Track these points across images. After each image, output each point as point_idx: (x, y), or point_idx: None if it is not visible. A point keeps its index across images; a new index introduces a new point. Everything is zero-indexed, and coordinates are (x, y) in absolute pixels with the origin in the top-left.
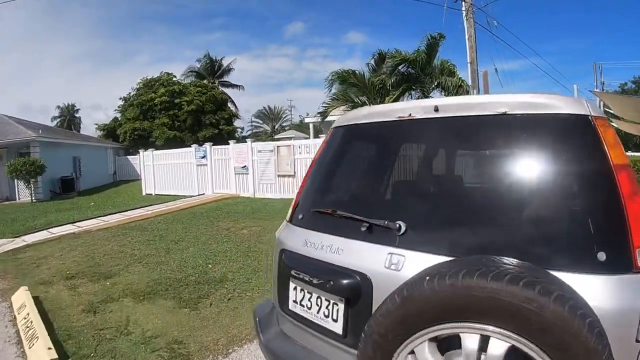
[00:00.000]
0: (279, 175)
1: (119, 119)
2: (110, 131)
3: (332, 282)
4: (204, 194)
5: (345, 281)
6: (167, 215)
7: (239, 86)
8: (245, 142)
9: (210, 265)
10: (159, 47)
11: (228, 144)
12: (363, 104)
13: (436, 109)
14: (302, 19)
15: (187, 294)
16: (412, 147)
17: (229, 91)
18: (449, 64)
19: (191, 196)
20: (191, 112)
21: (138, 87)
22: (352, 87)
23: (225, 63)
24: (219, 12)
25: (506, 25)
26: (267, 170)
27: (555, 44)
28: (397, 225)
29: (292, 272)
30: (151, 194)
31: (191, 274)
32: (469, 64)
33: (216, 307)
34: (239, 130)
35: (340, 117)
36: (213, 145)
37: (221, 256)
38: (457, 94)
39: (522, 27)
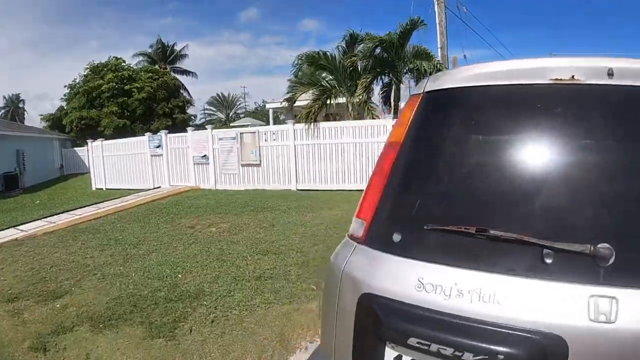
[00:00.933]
0: (243, 165)
1: (65, 108)
2: (55, 121)
3: (499, 355)
4: (160, 187)
5: (521, 351)
6: (121, 213)
7: (192, 73)
8: (205, 129)
9: (180, 275)
10: (108, 33)
11: (185, 131)
12: (332, 89)
13: (610, 73)
14: (257, 5)
15: (158, 316)
16: (574, 125)
17: (182, 78)
18: (424, 47)
19: (146, 190)
20: (142, 99)
21: (85, 73)
22: (321, 70)
23: (177, 49)
24: None
25: (475, 14)
26: (229, 160)
27: (515, 34)
28: (602, 251)
29: (400, 337)
30: (102, 189)
31: (159, 288)
32: (439, 49)
33: (198, 333)
34: (192, 118)
35: (440, 76)
36: (169, 133)
37: (191, 262)
38: None
39: (488, 16)
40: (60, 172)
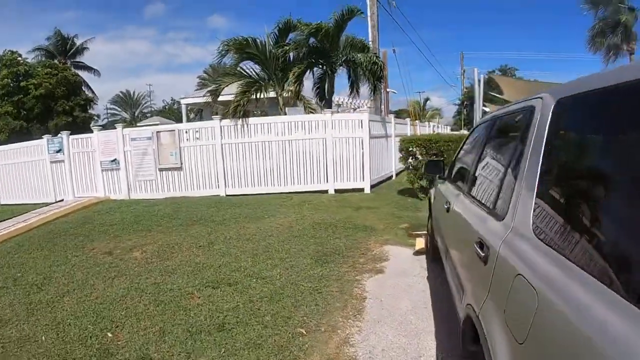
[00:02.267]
0: (161, 169)
1: None
2: None
3: None
4: (62, 200)
5: None
6: (18, 238)
7: (95, 70)
8: (115, 128)
9: (110, 334)
10: (2, 27)
11: (90, 132)
12: (261, 80)
13: None
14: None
15: None
16: None
17: (83, 75)
18: (361, 39)
19: (47, 204)
20: (40, 97)
21: None
22: (249, 59)
23: (78, 42)
24: None
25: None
26: (145, 164)
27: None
28: None
29: None
30: None
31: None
32: (370, 43)
33: None
34: (95, 117)
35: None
36: (71, 134)
37: (120, 309)
38: (370, 71)
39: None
40: None
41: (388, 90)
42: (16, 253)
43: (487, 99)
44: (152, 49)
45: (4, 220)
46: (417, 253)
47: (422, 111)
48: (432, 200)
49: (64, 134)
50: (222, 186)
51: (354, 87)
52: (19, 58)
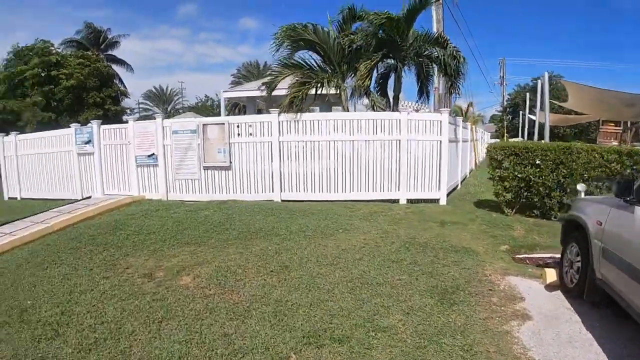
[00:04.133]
0: (206, 168)
1: None
2: None
3: None
4: (90, 197)
5: None
6: (34, 245)
7: (127, 64)
8: (154, 119)
9: None
10: (39, 24)
11: (125, 122)
12: (323, 73)
13: None
14: (195, 1)
15: None
16: None
17: (115, 68)
18: (439, 31)
19: (72, 201)
20: (71, 88)
21: (8, 57)
22: (306, 49)
23: (110, 35)
24: None
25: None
26: (186, 160)
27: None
28: None
29: None
30: (16, 199)
31: None
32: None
33: None
34: (127, 111)
35: None
36: (103, 124)
37: None
38: (449, 67)
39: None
40: None
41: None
42: (29, 267)
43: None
44: (183, 49)
45: (21, 219)
46: (550, 288)
47: (464, 116)
48: (592, 229)
49: (94, 123)
50: (277, 190)
51: (423, 86)
52: (51, 48)
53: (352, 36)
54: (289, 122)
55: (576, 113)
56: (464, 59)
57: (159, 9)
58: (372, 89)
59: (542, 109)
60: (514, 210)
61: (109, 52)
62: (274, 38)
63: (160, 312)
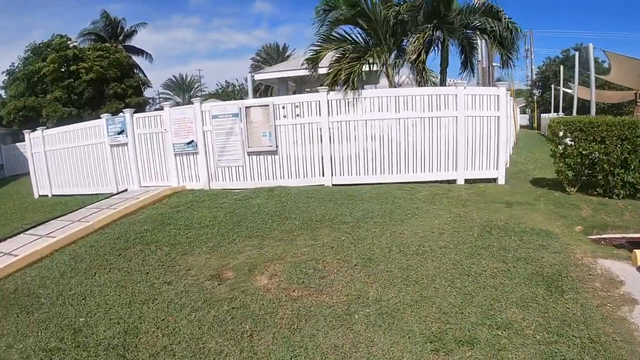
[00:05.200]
0: (250, 153)
1: (3, 97)
2: None
3: None
4: (126, 190)
5: None
6: (75, 246)
7: (147, 53)
8: (192, 103)
9: None
10: (52, 21)
11: (159, 109)
12: (371, 47)
13: None
14: None
15: None
16: None
17: (135, 59)
18: (489, 2)
19: (108, 196)
20: (91, 81)
21: (26, 55)
22: (349, 23)
23: (127, 26)
24: None
25: None
26: (229, 146)
27: None
28: None
29: None
30: (47, 196)
31: None
32: None
33: None
34: (149, 101)
35: None
36: (135, 112)
37: None
38: (503, 41)
39: None
40: (0, 173)
41: (494, 64)
42: (74, 275)
43: (581, 81)
44: (196, 37)
45: (56, 218)
46: None
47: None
48: None
49: (127, 112)
50: (328, 174)
51: (467, 59)
52: (69, 42)
53: (396, 7)
54: (338, 101)
55: (616, 87)
56: (519, 30)
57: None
58: (411, 64)
59: (579, 82)
60: (575, 189)
61: (127, 43)
62: (315, 10)
63: (246, 323)
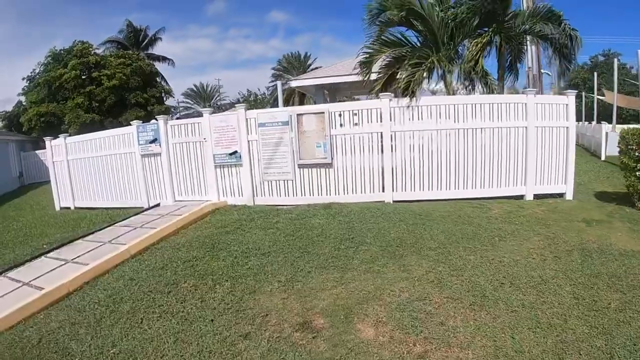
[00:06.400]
0: (301, 166)
1: (24, 103)
2: (12, 120)
3: None
4: (159, 204)
5: None
6: (110, 280)
7: (169, 60)
8: (235, 108)
9: None
10: (73, 31)
11: (199, 116)
12: (427, 52)
13: None
14: None
15: None
16: None
17: (157, 66)
18: (547, 4)
19: (139, 211)
20: (113, 88)
21: (46, 61)
22: (403, 25)
23: (150, 33)
24: None
25: None
26: (277, 157)
27: None
28: None
29: None
30: (69, 208)
31: None
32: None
33: None
34: (172, 110)
35: None
36: (172, 117)
37: None
38: (563, 49)
39: None
40: (19, 181)
41: (542, 71)
42: (115, 321)
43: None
44: (214, 47)
45: (82, 237)
46: None
47: None
48: None
49: (160, 119)
50: (389, 189)
51: (513, 65)
52: (91, 49)
53: (453, 9)
54: (402, 109)
55: None
56: (579, 38)
57: (189, 10)
58: (470, 70)
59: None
60: None
61: (150, 51)
62: (366, 9)
63: None
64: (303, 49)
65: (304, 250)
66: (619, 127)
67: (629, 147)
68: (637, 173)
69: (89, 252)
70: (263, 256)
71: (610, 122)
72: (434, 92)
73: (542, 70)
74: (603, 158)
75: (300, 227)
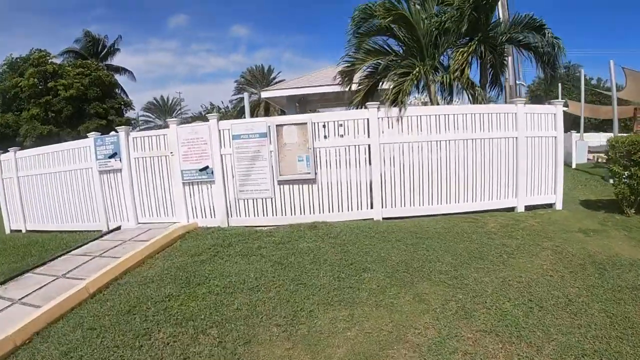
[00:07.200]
0: (281, 182)
1: None
2: None
3: None
4: (119, 227)
5: None
6: (65, 329)
7: (129, 71)
8: (207, 120)
9: None
10: (30, 42)
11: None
12: (412, 62)
13: None
14: (185, 12)
15: None
16: None
17: (117, 77)
18: (529, 14)
19: (97, 235)
20: (70, 99)
21: (1, 70)
22: (384, 34)
23: (108, 43)
24: (96, 3)
25: None
26: (254, 173)
27: None
28: None
29: None
30: (20, 231)
31: None
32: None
33: None
34: (133, 122)
35: None
36: (132, 131)
37: None
38: (545, 58)
39: None
40: None
41: (518, 82)
42: None
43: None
44: (176, 60)
45: (32, 269)
46: None
47: None
48: None
49: (121, 130)
50: (378, 205)
51: (496, 76)
52: (47, 57)
53: (437, 18)
54: (390, 120)
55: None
56: (562, 47)
57: (149, 22)
58: (455, 80)
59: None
60: (633, 210)
61: (109, 62)
62: (351, 18)
63: None
64: (265, 63)
65: (299, 282)
66: (587, 135)
67: (619, 155)
68: (626, 180)
69: (40, 288)
70: (251, 292)
71: (576, 131)
72: (425, 103)
73: (517, 82)
74: (574, 166)
75: (288, 253)
